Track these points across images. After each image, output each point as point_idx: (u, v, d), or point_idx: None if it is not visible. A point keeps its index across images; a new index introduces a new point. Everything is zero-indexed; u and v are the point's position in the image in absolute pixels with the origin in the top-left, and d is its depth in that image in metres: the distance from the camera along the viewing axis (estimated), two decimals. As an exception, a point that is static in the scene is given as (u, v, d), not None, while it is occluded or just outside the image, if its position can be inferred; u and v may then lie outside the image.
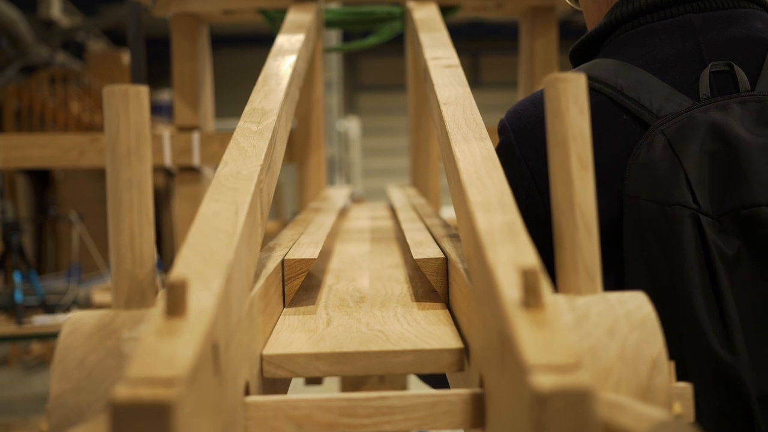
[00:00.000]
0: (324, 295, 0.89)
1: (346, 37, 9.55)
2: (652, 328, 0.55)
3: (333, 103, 8.11)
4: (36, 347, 6.36)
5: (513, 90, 2.56)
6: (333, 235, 1.47)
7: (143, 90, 0.58)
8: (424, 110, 2.24)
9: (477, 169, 0.70)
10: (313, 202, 1.87)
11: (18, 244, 4.46)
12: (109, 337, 0.54)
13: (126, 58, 8.26)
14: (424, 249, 0.89)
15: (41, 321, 3.93)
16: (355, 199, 6.97)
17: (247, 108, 0.92)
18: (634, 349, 0.54)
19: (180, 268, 0.51)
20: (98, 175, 7.44)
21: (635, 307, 0.56)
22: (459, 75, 1.09)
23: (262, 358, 0.65)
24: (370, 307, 0.81)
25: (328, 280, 0.98)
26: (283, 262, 0.82)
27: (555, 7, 2.20)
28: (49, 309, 4.07)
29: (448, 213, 2.82)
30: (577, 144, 0.58)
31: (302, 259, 0.82)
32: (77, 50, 9.98)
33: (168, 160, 2.14)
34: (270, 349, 0.66)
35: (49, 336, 3.98)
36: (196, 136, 2.16)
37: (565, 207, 0.58)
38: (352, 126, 9.86)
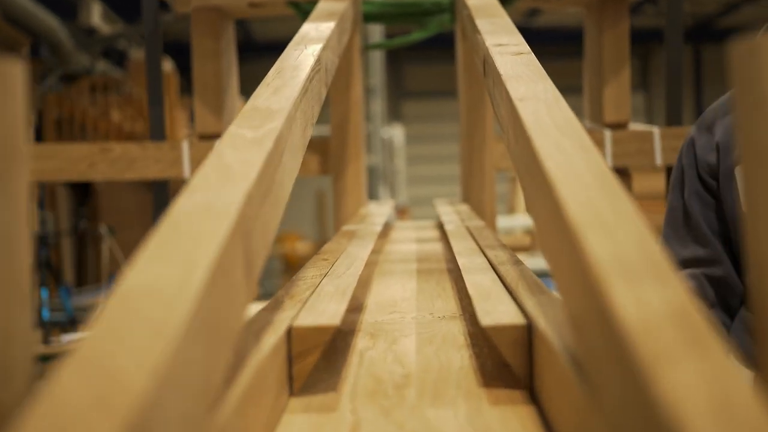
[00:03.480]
0: (352, 370, 0.62)
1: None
2: None
3: (377, 109, 7.86)
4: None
5: (574, 95, 2.27)
6: (371, 264, 1.21)
7: (13, 67, 0.32)
8: (478, 114, 1.98)
9: (591, 198, 0.43)
10: (348, 222, 1.61)
11: (46, 259, 4.27)
12: None
13: (168, 65, 8.11)
14: (495, 307, 0.62)
15: (69, 339, 3.72)
16: (399, 210, 6.70)
17: (246, 107, 0.67)
18: None
19: (35, 422, 0.25)
20: (139, 185, 7.28)
21: None
22: (534, 64, 0.83)
23: None
24: (417, 398, 0.55)
25: (360, 340, 0.72)
26: (289, 331, 0.57)
27: (627, -6, 1.92)
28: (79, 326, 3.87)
29: (503, 224, 2.54)
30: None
31: (318, 328, 0.56)
32: (118, 58, 9.87)
33: (187, 173, 1.89)
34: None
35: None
36: (219, 145, 1.90)
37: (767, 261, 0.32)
38: (396, 133, 9.60)
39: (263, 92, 0.72)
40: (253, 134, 0.58)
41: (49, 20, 7.83)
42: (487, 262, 0.90)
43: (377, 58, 7.61)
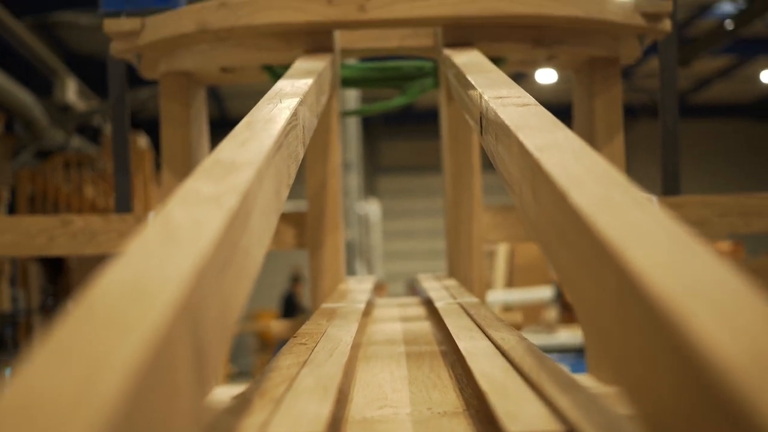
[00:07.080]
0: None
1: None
2: None
3: (353, 184, 7.80)
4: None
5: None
6: (354, 347, 1.08)
7: None
8: (464, 183, 1.87)
9: (675, 264, 0.31)
10: (327, 299, 1.48)
11: (12, 338, 4.10)
12: None
13: (144, 141, 8.03)
14: (520, 408, 0.49)
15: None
16: (377, 286, 6.57)
17: (206, 160, 0.54)
18: None
19: None
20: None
21: None
22: (545, 115, 0.72)
23: None
24: None
25: (346, 447, 0.59)
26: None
27: (619, 58, 1.83)
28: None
29: (494, 298, 2.41)
30: None
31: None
32: (93, 134, 9.79)
33: (153, 247, 1.75)
34: None
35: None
36: (188, 218, 1.78)
37: None
38: (372, 208, 9.52)
39: (228, 145, 0.60)
40: (211, 189, 0.45)
41: (23, 96, 7.75)
42: (492, 345, 0.77)
43: (353, 132, 7.57)
